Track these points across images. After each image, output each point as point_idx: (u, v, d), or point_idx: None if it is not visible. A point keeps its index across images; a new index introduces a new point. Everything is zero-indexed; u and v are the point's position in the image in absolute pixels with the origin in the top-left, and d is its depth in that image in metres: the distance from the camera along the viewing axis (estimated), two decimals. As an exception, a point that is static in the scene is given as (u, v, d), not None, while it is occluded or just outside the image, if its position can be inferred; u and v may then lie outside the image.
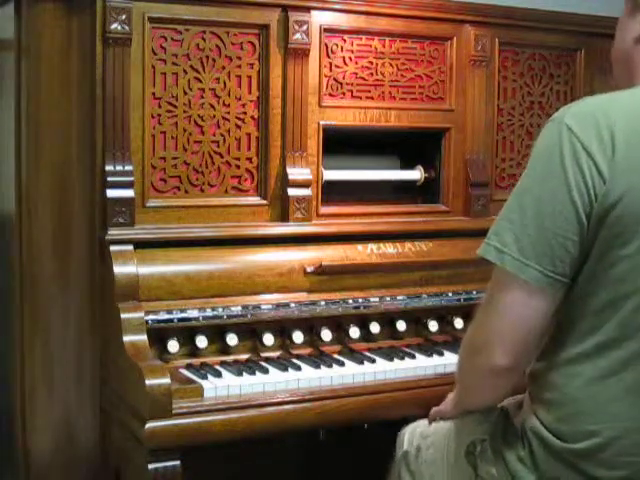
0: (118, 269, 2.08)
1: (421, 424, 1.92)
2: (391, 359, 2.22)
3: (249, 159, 2.33)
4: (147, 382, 1.85)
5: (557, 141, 1.48)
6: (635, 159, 1.46)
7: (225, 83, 2.28)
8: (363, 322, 2.34)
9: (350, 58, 2.44)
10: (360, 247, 2.39)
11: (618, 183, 1.45)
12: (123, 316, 2.03)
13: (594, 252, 1.48)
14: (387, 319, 2.38)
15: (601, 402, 1.51)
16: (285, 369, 2.10)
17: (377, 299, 2.36)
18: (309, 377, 2.08)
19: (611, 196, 1.45)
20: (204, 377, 2.02)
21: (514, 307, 1.51)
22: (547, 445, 1.55)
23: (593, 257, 1.49)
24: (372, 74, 2.48)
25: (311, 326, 2.29)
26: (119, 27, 2.11)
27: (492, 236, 1.53)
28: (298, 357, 2.20)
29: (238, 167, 2.32)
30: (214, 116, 2.28)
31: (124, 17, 2.11)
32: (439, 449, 1.81)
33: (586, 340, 1.52)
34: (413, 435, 1.91)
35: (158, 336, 2.10)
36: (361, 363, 2.17)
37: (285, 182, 2.34)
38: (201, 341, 2.14)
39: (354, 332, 2.31)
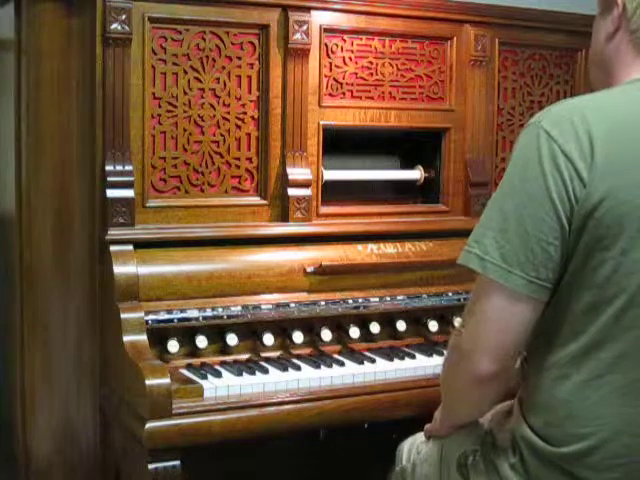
0: (118, 269, 2.08)
1: (418, 438, 1.91)
2: (391, 359, 2.22)
3: (249, 159, 2.33)
4: (147, 382, 1.85)
5: (535, 146, 1.47)
6: (614, 162, 1.45)
7: (225, 83, 2.28)
8: (363, 322, 2.34)
9: (350, 58, 2.44)
10: (360, 247, 2.39)
11: (598, 186, 1.44)
12: (123, 316, 2.03)
13: (577, 256, 1.47)
14: (387, 319, 2.38)
15: (590, 405, 1.49)
16: (285, 369, 2.09)
17: (377, 299, 2.36)
18: (309, 377, 2.08)
19: (591, 199, 1.44)
20: (204, 377, 2.02)
21: (499, 315, 1.49)
22: (537, 450, 1.54)
23: (576, 261, 1.48)
24: (372, 74, 2.48)
25: (311, 326, 2.29)
26: (119, 27, 2.11)
27: (473, 243, 1.51)
28: (298, 357, 2.20)
29: (238, 167, 2.32)
30: (214, 116, 2.28)
31: (124, 17, 2.12)
32: (432, 464, 1.80)
33: (572, 343, 1.51)
34: (410, 451, 1.90)
35: (158, 336, 2.10)
36: (361, 363, 2.17)
37: (285, 182, 2.34)
38: (201, 341, 2.14)
39: (354, 332, 2.31)
